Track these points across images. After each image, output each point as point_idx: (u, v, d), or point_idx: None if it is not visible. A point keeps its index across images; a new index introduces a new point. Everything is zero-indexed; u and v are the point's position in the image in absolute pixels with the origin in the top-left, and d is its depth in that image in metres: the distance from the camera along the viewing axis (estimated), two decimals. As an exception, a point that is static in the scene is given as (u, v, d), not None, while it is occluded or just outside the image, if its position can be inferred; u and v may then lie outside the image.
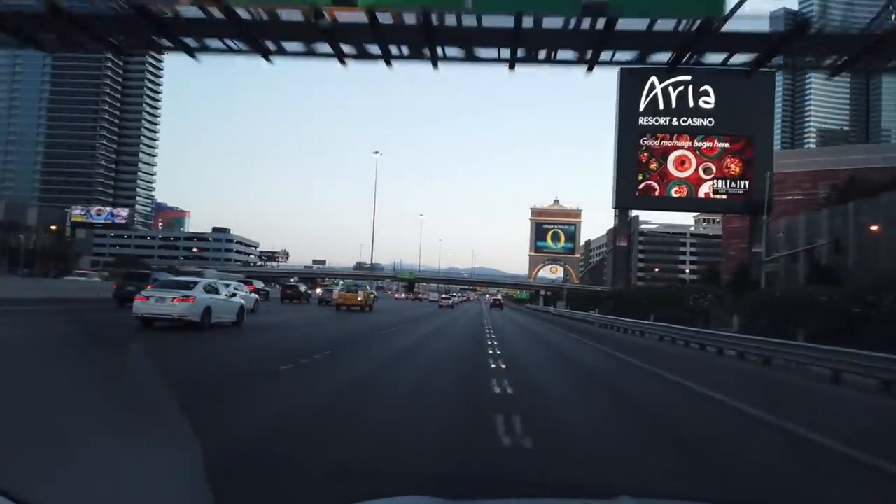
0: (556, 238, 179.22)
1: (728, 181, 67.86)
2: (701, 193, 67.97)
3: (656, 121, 68.66)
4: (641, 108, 68.98)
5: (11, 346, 11.83)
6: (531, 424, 7.16)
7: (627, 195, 68.50)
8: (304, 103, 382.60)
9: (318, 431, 6.38)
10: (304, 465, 5.09)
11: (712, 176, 67.84)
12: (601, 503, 2.31)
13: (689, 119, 68.13)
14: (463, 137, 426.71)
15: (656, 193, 68.29)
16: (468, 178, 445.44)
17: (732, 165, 68.23)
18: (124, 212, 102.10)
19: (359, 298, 38.93)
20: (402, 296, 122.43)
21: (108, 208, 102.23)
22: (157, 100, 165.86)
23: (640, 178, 68.68)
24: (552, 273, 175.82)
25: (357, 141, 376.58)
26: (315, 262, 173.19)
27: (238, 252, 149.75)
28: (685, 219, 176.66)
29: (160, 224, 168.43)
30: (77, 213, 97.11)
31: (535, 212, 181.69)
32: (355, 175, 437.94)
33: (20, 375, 8.24)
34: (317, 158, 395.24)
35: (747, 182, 67.54)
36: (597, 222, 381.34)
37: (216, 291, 18.98)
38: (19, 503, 1.53)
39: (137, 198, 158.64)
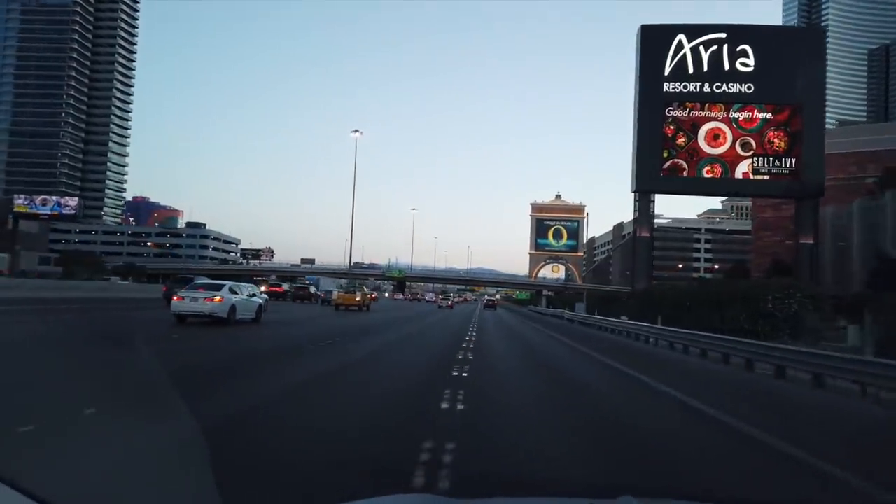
0: (557, 235, 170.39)
1: (771, 158, 57.21)
2: (738, 173, 57.30)
3: (684, 87, 58.09)
4: (667, 71, 58.43)
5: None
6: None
7: (650, 176, 57.81)
8: (293, 103, 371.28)
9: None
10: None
11: (751, 152, 57.23)
12: (603, 502, 2.24)
13: (724, 85, 57.51)
14: (459, 130, 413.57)
15: (684, 174, 57.62)
16: (465, 173, 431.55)
17: (776, 140, 57.59)
18: (73, 201, 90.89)
19: (357, 299, 41.24)
20: (401, 296, 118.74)
21: (54, 198, 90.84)
22: (129, 84, 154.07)
23: (665, 155, 58.05)
24: (554, 272, 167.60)
25: (349, 138, 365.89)
26: (304, 260, 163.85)
27: (216, 249, 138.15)
28: (690, 212, 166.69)
29: (131, 223, 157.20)
30: (20, 202, 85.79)
31: (536, 207, 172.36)
32: (347, 174, 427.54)
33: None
34: (308, 157, 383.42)
35: (794, 160, 56.93)
36: (600, 219, 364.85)
37: (239, 292, 21.02)
38: (23, 493, 1.49)
39: (107, 190, 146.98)
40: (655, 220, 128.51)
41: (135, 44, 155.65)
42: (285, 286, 60.94)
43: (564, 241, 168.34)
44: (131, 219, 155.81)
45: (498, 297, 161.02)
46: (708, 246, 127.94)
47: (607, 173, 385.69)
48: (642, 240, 59.02)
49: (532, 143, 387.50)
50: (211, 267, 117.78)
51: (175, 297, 19.94)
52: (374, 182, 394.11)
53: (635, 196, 59.67)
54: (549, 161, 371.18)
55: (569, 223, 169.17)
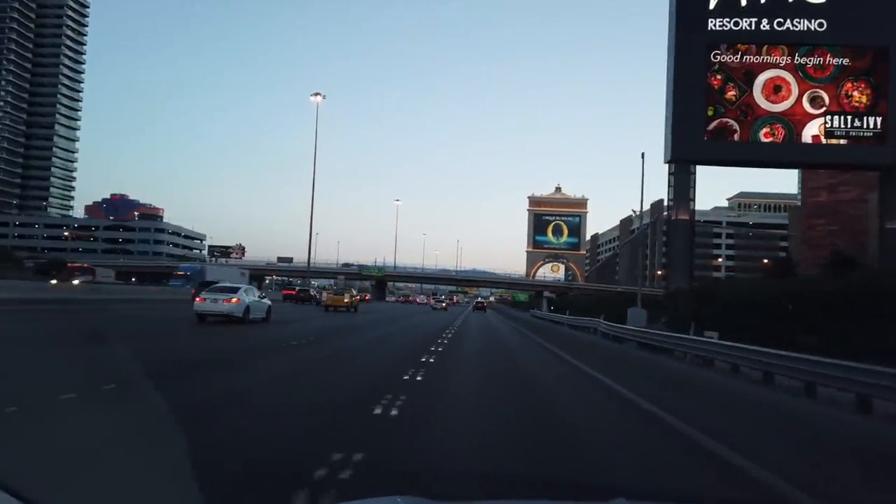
0: (557, 231, 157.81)
1: (849, 117, 43.50)
2: (806, 136, 43.53)
3: (736, 25, 44.41)
4: (712, 4, 44.69)
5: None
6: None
7: (690, 141, 44.05)
8: (275, 99, 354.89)
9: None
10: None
11: (824, 109, 43.52)
12: None
13: (788, 21, 43.80)
14: (451, 121, 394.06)
15: (735, 137, 43.85)
16: (458, 169, 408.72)
17: (856, 93, 43.87)
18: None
19: (345, 300, 42.62)
20: (392, 299, 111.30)
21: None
22: (80, 62, 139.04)
23: (711, 113, 44.33)
24: (553, 272, 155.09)
25: (339, 136, 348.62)
26: (280, 259, 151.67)
27: (175, 245, 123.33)
28: (698, 206, 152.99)
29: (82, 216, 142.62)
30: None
31: (534, 201, 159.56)
32: (333, 172, 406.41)
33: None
34: (294, 156, 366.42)
35: (879, 119, 43.20)
36: (604, 215, 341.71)
37: (252, 294, 24.31)
38: (18, 497, 1.49)
39: (53, 178, 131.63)
40: (666, 213, 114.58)
41: (85, 25, 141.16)
42: (298, 289, 66.99)
43: (565, 237, 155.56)
44: (82, 212, 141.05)
45: (492, 298, 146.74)
46: (730, 241, 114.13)
47: (612, 166, 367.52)
48: (680, 224, 45.13)
49: (529, 131, 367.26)
50: (167, 264, 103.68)
51: (198, 299, 22.92)
52: (363, 181, 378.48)
53: (669, 168, 45.94)
54: (547, 151, 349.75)
55: (570, 218, 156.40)
